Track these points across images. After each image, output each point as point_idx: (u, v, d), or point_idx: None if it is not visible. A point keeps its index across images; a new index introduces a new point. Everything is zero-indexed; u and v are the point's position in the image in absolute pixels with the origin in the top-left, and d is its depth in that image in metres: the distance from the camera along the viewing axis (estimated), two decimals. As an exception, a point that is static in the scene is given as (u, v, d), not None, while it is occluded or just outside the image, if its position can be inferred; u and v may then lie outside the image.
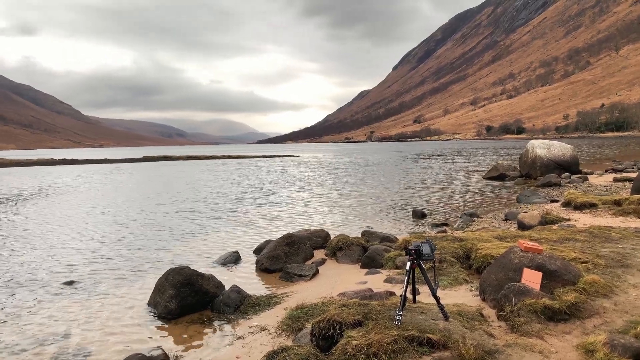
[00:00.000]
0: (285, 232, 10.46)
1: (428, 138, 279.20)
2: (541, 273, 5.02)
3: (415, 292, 4.86)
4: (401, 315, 4.21)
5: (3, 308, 6.57)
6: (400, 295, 4.40)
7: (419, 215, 13.34)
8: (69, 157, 72.31)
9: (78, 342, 5.37)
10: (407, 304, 4.58)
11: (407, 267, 4.47)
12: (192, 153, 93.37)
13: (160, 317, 6.04)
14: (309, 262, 8.15)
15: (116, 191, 23.90)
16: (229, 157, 71.42)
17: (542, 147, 23.05)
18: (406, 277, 4.45)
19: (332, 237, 9.58)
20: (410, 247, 4.47)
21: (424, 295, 5.39)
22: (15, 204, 19.19)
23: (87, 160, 65.51)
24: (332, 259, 8.45)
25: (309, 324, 4.98)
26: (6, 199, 20.79)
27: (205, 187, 25.11)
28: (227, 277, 7.44)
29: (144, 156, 72.96)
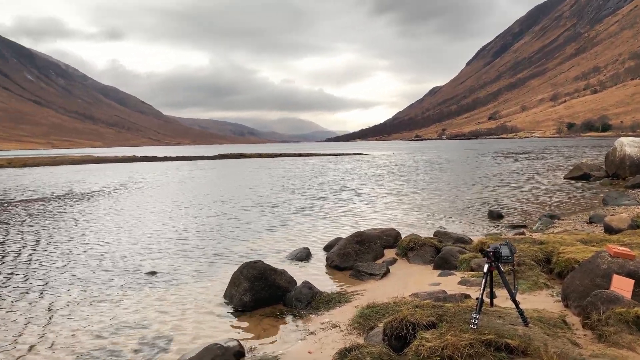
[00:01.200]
0: (355, 230, 10.48)
1: (504, 136, 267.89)
2: (633, 280, 4.66)
3: (492, 296, 4.69)
4: (478, 318, 4.08)
5: (91, 294, 7.09)
6: (477, 299, 4.26)
7: (495, 216, 12.84)
8: (149, 155, 76.69)
9: (158, 329, 5.69)
10: (483, 307, 4.43)
11: (485, 270, 4.32)
12: (263, 151, 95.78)
13: (235, 309, 6.26)
14: (379, 261, 8.10)
15: (194, 187, 25.02)
16: (299, 155, 72.54)
17: (632, 145, 21.36)
18: (483, 280, 4.30)
19: (402, 236, 9.45)
20: (488, 249, 4.32)
21: (501, 299, 5.19)
22: (104, 198, 20.61)
23: (166, 157, 69.13)
24: (403, 258, 8.34)
25: (380, 323, 4.95)
26: (94, 194, 22.39)
27: (277, 184, 25.68)
28: (298, 273, 7.56)
29: (218, 154, 75.85)
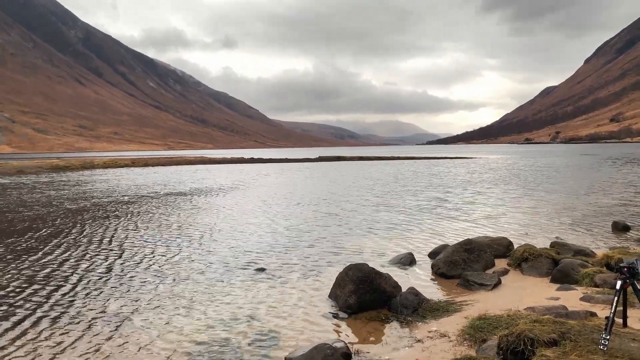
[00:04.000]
0: (460, 238, 10.09)
1: (628, 140, 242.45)
2: None
3: (625, 315, 4.25)
4: (608, 339, 3.72)
5: (204, 287, 7.55)
6: (606, 317, 3.88)
7: (621, 228, 11.63)
8: (255, 157, 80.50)
9: (266, 325, 5.90)
10: (614, 327, 4.02)
11: (617, 287, 3.92)
12: (363, 154, 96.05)
13: (340, 310, 6.31)
14: (489, 271, 7.71)
15: (298, 188, 25.78)
16: (399, 158, 71.64)
17: None
18: (615, 298, 3.90)
19: (515, 246, 8.92)
20: (621, 264, 3.92)
21: (634, 320, 4.68)
22: (216, 196, 21.97)
23: (270, 159, 72.06)
24: (516, 270, 7.85)
25: (494, 337, 4.70)
26: (208, 192, 23.94)
27: (377, 187, 25.59)
28: (402, 278, 7.44)
29: (319, 156, 77.51)
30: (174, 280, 7.96)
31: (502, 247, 8.81)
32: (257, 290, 7.35)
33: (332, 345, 4.70)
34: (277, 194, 22.54)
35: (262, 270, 8.46)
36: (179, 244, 11.01)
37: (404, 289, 6.55)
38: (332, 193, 22.78)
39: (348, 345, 4.98)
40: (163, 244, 10.99)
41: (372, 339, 5.43)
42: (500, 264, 8.21)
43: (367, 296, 6.28)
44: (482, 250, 8.10)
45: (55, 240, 11.63)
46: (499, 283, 7.05)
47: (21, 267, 8.97)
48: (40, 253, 10.23)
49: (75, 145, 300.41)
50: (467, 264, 7.71)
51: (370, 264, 7.02)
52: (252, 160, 68.34)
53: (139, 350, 5.23)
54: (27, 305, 6.77)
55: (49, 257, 9.81)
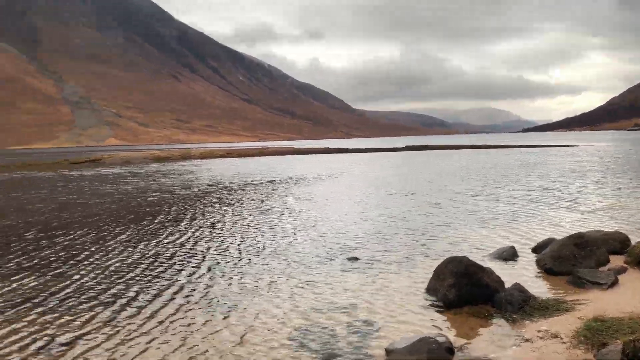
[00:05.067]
0: (569, 231, 9.41)
1: None
2: None
3: None
4: None
5: (301, 275, 7.68)
6: None
7: None
8: (341, 147, 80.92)
9: (363, 315, 5.87)
10: None
11: None
12: (453, 142, 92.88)
13: (438, 303, 6.13)
14: (603, 269, 7.08)
15: (388, 177, 25.51)
16: (494, 146, 68.23)
17: None
18: None
19: (632, 242, 8.12)
20: None
21: None
22: (307, 185, 22.38)
23: (356, 149, 72.05)
24: (635, 268, 7.13)
25: (616, 341, 4.30)
26: (299, 180, 24.44)
27: (476, 175, 24.55)
28: (505, 273, 7.04)
29: (406, 145, 76.15)
30: (271, 266, 8.20)
31: (617, 243, 8.05)
32: (352, 279, 7.35)
33: (436, 339, 4.56)
34: (368, 183, 22.48)
35: (355, 259, 8.46)
36: (275, 230, 11.35)
37: (507, 285, 6.21)
38: (424, 182, 22.30)
39: (451, 340, 4.82)
40: (261, 230, 11.41)
41: (475, 335, 5.20)
42: (616, 261, 7.51)
43: (467, 290, 6.03)
44: (594, 245, 7.45)
45: (174, 225, 12.59)
46: (615, 282, 6.45)
47: (147, 248, 9.79)
48: (162, 236, 11.11)
49: (173, 138, 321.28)
50: (578, 259, 7.13)
51: (470, 257, 6.73)
52: (338, 150, 68.78)
53: (244, 335, 5.44)
54: (152, 285, 7.35)
55: (169, 240, 10.67)
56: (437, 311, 5.95)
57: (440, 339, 4.66)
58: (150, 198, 18.77)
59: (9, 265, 8.72)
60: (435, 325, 5.53)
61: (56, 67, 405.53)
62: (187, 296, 6.78)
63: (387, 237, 10.31)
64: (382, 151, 66.19)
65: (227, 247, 9.84)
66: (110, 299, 6.72)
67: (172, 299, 6.70)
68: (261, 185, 22.94)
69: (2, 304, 6.61)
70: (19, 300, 6.77)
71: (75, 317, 6.07)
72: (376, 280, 7.24)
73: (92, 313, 6.19)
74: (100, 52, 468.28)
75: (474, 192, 17.91)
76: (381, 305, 6.17)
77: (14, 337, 5.49)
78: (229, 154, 62.71)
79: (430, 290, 6.49)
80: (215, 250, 9.59)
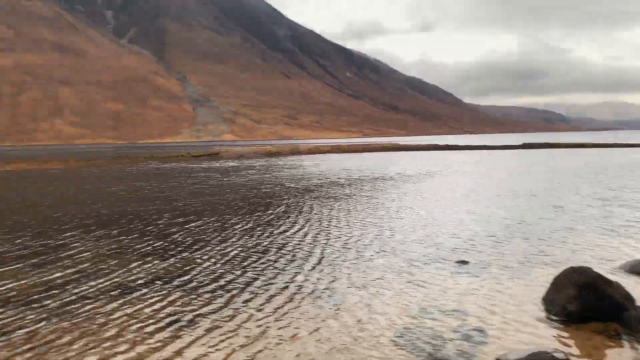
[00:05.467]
0: None
1: None
2: None
3: None
4: None
5: (407, 275, 7.61)
6: None
7: None
8: (450, 143, 78.30)
9: (474, 321, 5.69)
10: None
11: None
12: (579, 140, 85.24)
13: (556, 316, 5.75)
14: None
15: (501, 176, 24.25)
16: (629, 145, 61.27)
17: None
18: None
19: None
20: None
21: None
22: (415, 182, 22.06)
23: (467, 146, 69.27)
24: None
25: None
26: (407, 178, 24.17)
27: (610, 177, 22.30)
28: (637, 289, 6.40)
29: (523, 143, 71.48)
30: (378, 262, 8.25)
31: None
32: (461, 282, 7.16)
33: (553, 355, 4.31)
34: (481, 182, 21.58)
35: (464, 262, 8.21)
36: (383, 227, 11.38)
37: (638, 302, 5.64)
38: (545, 182, 20.85)
39: (569, 357, 4.51)
40: (369, 226, 11.50)
41: (598, 356, 4.81)
42: None
43: (590, 305, 5.58)
44: None
45: (286, 216, 13.23)
46: None
47: (262, 237, 10.40)
48: (276, 227, 11.70)
49: (283, 134, 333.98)
50: None
51: (594, 268, 6.22)
52: (447, 147, 66.66)
53: (352, 329, 5.56)
54: (266, 273, 7.78)
55: (282, 230, 11.20)
56: (555, 325, 5.58)
57: (558, 355, 4.40)
58: (265, 190, 19.88)
59: (145, 246, 9.78)
60: (552, 339, 5.20)
61: (181, 68, 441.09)
62: (298, 286, 7.09)
63: (501, 240, 9.84)
64: (496, 149, 62.86)
65: (336, 240, 10.08)
66: (228, 284, 7.26)
67: (284, 287, 7.05)
68: (368, 181, 23.06)
69: (136, 281, 7.44)
70: (149, 278, 7.58)
71: (197, 297, 6.66)
72: (487, 286, 6.97)
73: (211, 295, 6.75)
74: (219, 52, 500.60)
75: (604, 196, 16.33)
76: (492, 313, 5.95)
77: (142, 311, 6.16)
78: (334, 149, 63.77)
79: (547, 301, 6.10)
80: (324, 243, 9.89)
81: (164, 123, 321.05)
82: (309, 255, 8.88)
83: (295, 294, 6.78)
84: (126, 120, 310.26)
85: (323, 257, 8.73)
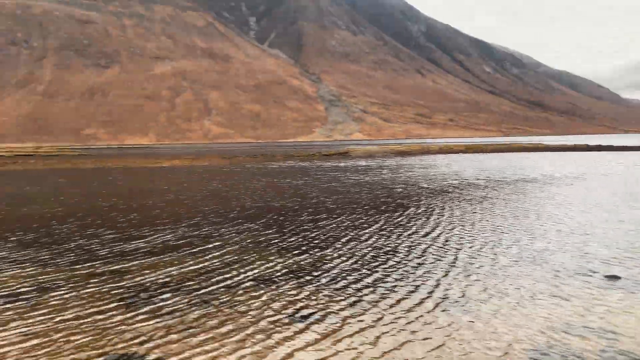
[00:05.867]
0: None
1: None
2: None
3: None
4: None
5: (546, 287, 7.08)
6: None
7: None
8: (604, 144, 70.29)
9: (625, 344, 5.17)
10: None
11: None
12: None
13: None
14: None
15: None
16: None
17: None
18: None
19: None
20: None
21: None
22: (560, 185, 20.29)
23: (625, 147, 61.65)
24: None
25: None
26: (552, 180, 22.32)
27: None
28: None
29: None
30: (519, 271, 7.81)
31: None
32: (611, 300, 6.49)
33: None
34: (634, 190, 19.11)
35: (616, 277, 7.39)
36: (525, 234, 10.74)
37: None
38: None
39: None
40: (511, 232, 10.93)
41: None
42: None
43: None
44: None
45: (423, 218, 13.11)
46: None
47: (399, 239, 10.48)
48: (413, 229, 11.64)
49: (413, 132, 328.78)
50: None
51: None
52: (600, 148, 60.00)
53: (486, 340, 5.37)
54: (404, 276, 7.85)
55: (420, 233, 11.09)
56: None
57: None
58: (398, 190, 19.90)
59: (282, 241, 10.44)
60: None
61: (315, 69, 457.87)
62: (429, 291, 7.03)
63: (656, 254, 8.66)
64: (659, 150, 54.95)
65: (471, 245, 9.75)
66: (357, 282, 7.45)
67: (413, 291, 7.04)
68: (508, 183, 21.78)
69: (273, 273, 7.97)
70: (284, 271, 8.08)
71: (327, 294, 6.95)
72: (637, 305, 6.20)
73: (341, 293, 6.98)
74: (352, 52, 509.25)
75: None
76: (648, 336, 5.29)
77: (276, 302, 6.59)
78: (468, 149, 61.10)
79: None
80: (459, 247, 9.63)
81: (297, 123, 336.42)
82: (442, 260, 8.71)
83: (425, 298, 6.72)
84: (264, 121, 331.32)
85: (456, 262, 8.51)
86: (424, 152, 57.98)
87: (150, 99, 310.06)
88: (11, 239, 11.10)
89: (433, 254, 9.11)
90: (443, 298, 6.71)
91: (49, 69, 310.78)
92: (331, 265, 8.48)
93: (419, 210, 14.35)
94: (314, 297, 6.83)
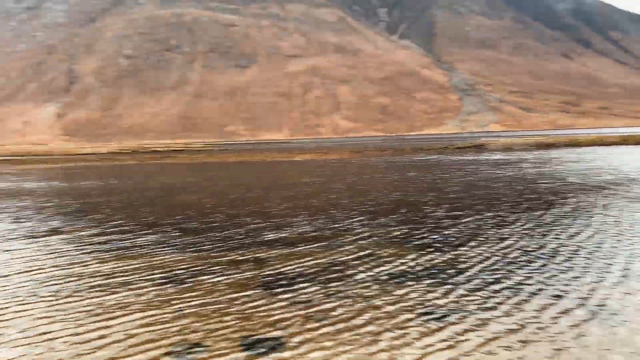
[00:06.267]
0: None
1: None
2: None
3: None
4: None
5: None
6: None
7: None
8: None
9: None
10: None
11: None
12: None
13: None
14: None
15: None
16: None
17: None
18: None
19: None
20: None
21: None
22: None
23: None
24: None
25: None
26: None
27: None
28: None
29: None
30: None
31: None
32: None
33: None
34: None
35: None
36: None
37: None
38: None
39: None
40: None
41: None
42: None
43: None
44: None
45: (572, 217, 11.89)
46: None
47: (545, 240, 9.75)
48: (560, 229, 10.64)
49: (558, 123, 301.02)
50: None
51: None
52: None
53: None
54: (551, 282, 7.27)
55: (569, 233, 10.09)
56: None
57: None
58: (543, 185, 18.39)
59: (420, 237, 10.22)
60: None
61: (448, 57, 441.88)
62: (585, 300, 6.33)
63: None
64: None
65: (637, 250, 8.54)
66: (503, 286, 6.98)
67: (570, 299, 6.38)
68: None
69: (408, 271, 7.82)
70: (420, 269, 7.87)
71: (467, 296, 6.62)
72: None
73: (482, 297, 6.59)
74: (488, 37, 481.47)
75: None
76: None
77: (412, 302, 6.43)
78: (626, 140, 54.14)
79: None
80: (621, 252, 8.51)
81: (427, 115, 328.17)
82: (594, 264, 7.81)
83: (574, 307, 6.08)
84: (392, 114, 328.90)
85: (611, 267, 7.57)
86: (571, 144, 52.73)
87: (284, 96, 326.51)
88: (167, 224, 12.44)
89: (584, 257, 8.19)
90: (595, 307, 6.00)
91: (197, 72, 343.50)
92: (469, 264, 8.08)
93: (568, 208, 13.04)
94: (449, 297, 6.58)
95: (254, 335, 5.52)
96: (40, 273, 8.22)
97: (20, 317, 6.27)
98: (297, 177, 26.10)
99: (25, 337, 5.63)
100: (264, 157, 50.07)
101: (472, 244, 9.45)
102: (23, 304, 6.72)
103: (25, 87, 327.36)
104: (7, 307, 6.61)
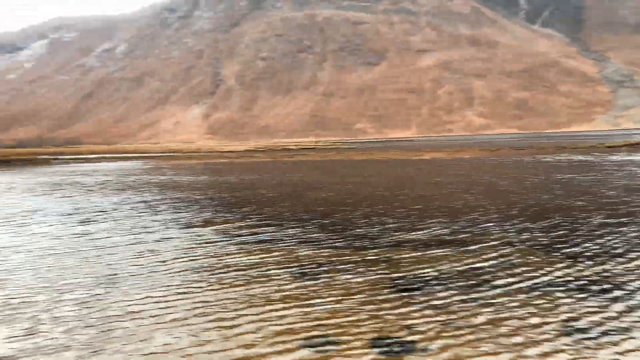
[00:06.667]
0: None
1: None
2: None
3: None
4: None
5: None
6: None
7: None
8: None
9: None
10: None
11: None
12: None
13: None
14: None
15: None
16: None
17: None
18: None
19: None
20: None
21: None
22: None
23: None
24: None
25: None
26: None
27: None
28: None
29: None
30: None
31: None
32: None
33: None
34: None
35: None
36: None
37: None
38: None
39: None
40: None
41: None
42: None
43: None
44: None
45: None
46: None
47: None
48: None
49: None
50: None
51: None
52: None
53: None
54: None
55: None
56: None
57: None
58: None
59: (571, 245, 9.37)
60: None
61: (598, 45, 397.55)
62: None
63: None
64: None
65: None
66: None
67: None
68: None
69: (556, 281, 7.19)
70: (569, 280, 7.20)
71: (618, 311, 5.94)
72: None
73: (636, 314, 5.83)
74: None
75: None
76: None
77: (556, 312, 5.88)
78: None
79: None
80: None
81: (572, 110, 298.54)
82: None
83: None
84: (530, 109, 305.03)
85: None
86: None
87: (413, 93, 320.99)
88: (304, 220, 12.99)
89: None
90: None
91: (328, 71, 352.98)
92: (629, 278, 7.22)
93: None
94: (606, 313, 5.95)
95: (388, 337, 5.52)
96: (194, 261, 9.12)
97: (177, 302, 7.04)
98: (427, 177, 25.50)
99: (183, 323, 6.30)
100: (392, 155, 49.79)
101: (632, 255, 8.40)
102: (179, 292, 7.53)
103: (177, 91, 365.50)
104: (168, 290, 7.47)
